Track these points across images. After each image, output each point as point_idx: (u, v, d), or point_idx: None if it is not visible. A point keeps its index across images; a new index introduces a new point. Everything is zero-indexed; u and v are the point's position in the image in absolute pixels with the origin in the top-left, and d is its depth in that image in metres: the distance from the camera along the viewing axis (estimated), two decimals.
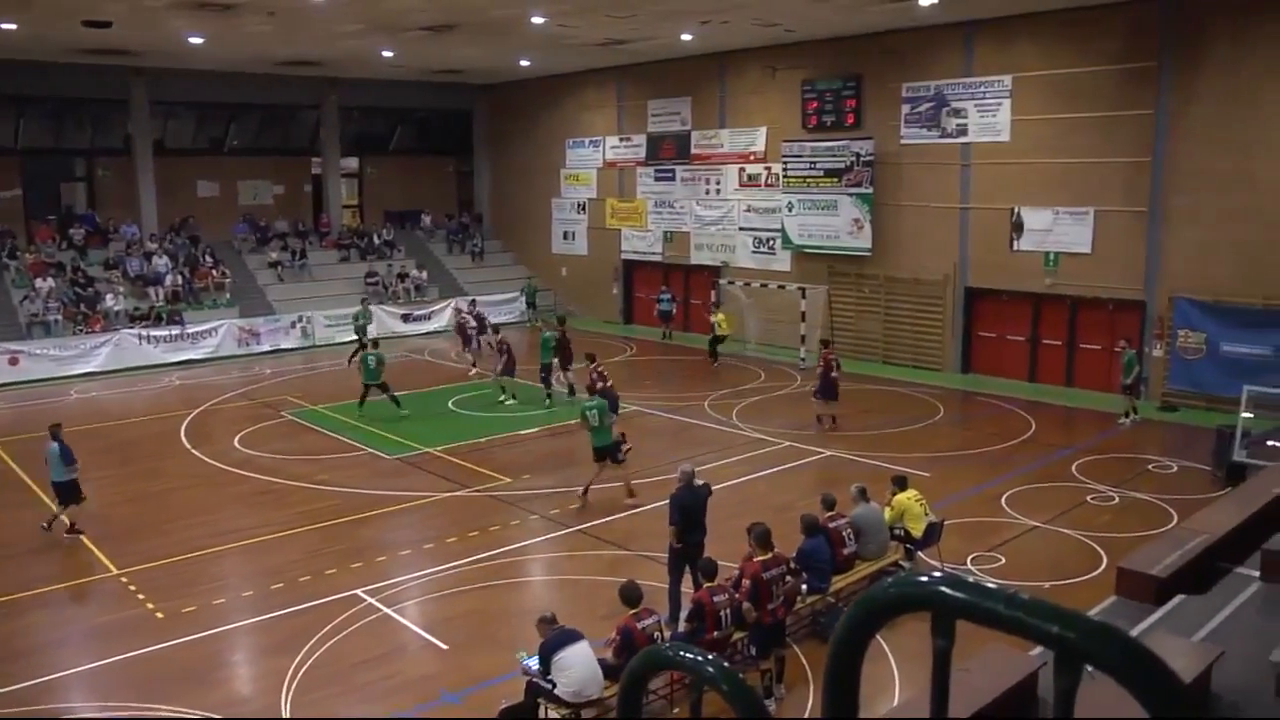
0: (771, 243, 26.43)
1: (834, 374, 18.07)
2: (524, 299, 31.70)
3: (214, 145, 31.90)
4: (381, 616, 10.70)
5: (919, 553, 11.29)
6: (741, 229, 27.33)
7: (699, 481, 10.86)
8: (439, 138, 36.47)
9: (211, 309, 27.57)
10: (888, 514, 11.16)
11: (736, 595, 8.93)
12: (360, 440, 17.92)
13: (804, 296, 23.99)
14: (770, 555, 9.08)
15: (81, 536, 13.19)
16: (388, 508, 14.36)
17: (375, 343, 21.87)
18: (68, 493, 13.33)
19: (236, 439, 18.17)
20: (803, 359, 23.80)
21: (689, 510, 10.33)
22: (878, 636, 1.46)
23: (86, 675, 9.56)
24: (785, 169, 25.34)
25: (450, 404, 20.76)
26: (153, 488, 14.75)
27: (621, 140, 30.51)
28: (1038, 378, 21.67)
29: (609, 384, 17.09)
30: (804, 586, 9.73)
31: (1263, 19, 17.69)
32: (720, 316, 24.89)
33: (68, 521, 13.32)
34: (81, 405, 21.52)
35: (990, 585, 1.32)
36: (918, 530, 11.15)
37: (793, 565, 9.53)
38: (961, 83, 21.94)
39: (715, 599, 8.70)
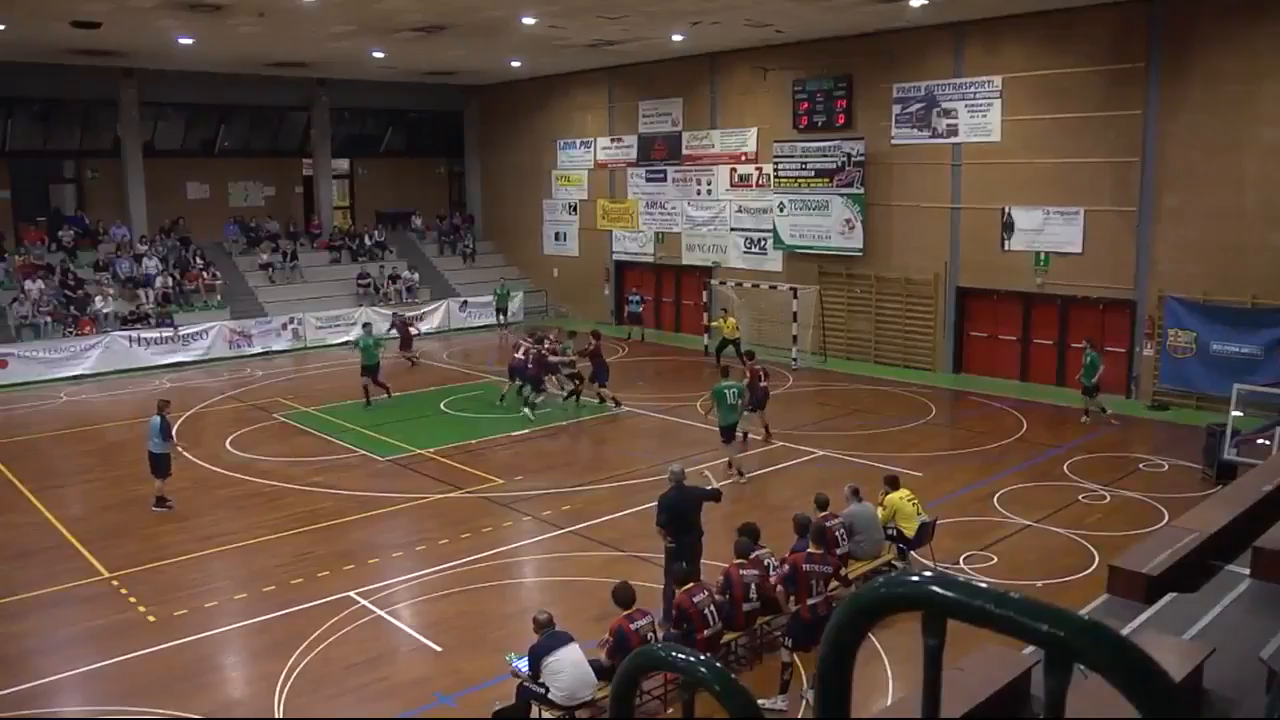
0: (763, 243, 26.46)
1: (762, 383, 17.24)
2: (494, 305, 30.61)
3: (204, 147, 31.76)
4: (374, 619, 10.68)
5: (912, 552, 11.31)
6: (733, 229, 27.35)
7: (709, 487, 10.89)
8: (430, 139, 36.41)
9: (202, 311, 27.48)
10: (880, 514, 11.20)
11: (725, 596, 9.01)
12: (352, 442, 17.88)
13: (795, 297, 24.03)
14: (820, 551, 9.20)
15: (165, 509, 14.32)
16: (380, 509, 14.33)
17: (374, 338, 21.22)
18: (156, 465, 14.32)
19: (228, 441, 18.10)
20: (795, 359, 23.85)
21: (678, 511, 10.34)
22: (871, 636, 1.47)
23: (78, 679, 9.51)
24: (776, 169, 25.37)
25: (442, 405, 20.73)
26: (144, 490, 14.69)
27: (612, 141, 30.51)
28: (1029, 377, 21.74)
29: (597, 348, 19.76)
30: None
31: (1250, 20, 17.77)
32: (731, 321, 24.39)
33: (162, 493, 14.46)
34: (71, 408, 21.43)
35: (980, 584, 1.32)
36: (910, 530, 11.18)
37: (845, 574, 9.56)
38: (951, 83, 21.99)
39: (695, 599, 8.77)
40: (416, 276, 31.38)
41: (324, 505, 14.43)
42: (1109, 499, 14.08)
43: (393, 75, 30.59)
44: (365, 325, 23.40)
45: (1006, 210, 21.34)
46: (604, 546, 12.72)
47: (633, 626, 8.22)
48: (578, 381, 20.14)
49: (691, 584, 8.95)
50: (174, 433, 14.90)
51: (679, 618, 8.72)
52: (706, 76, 27.32)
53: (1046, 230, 20.77)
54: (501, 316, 30.37)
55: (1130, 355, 20.11)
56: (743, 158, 26.85)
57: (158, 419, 14.33)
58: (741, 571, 9.27)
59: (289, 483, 15.62)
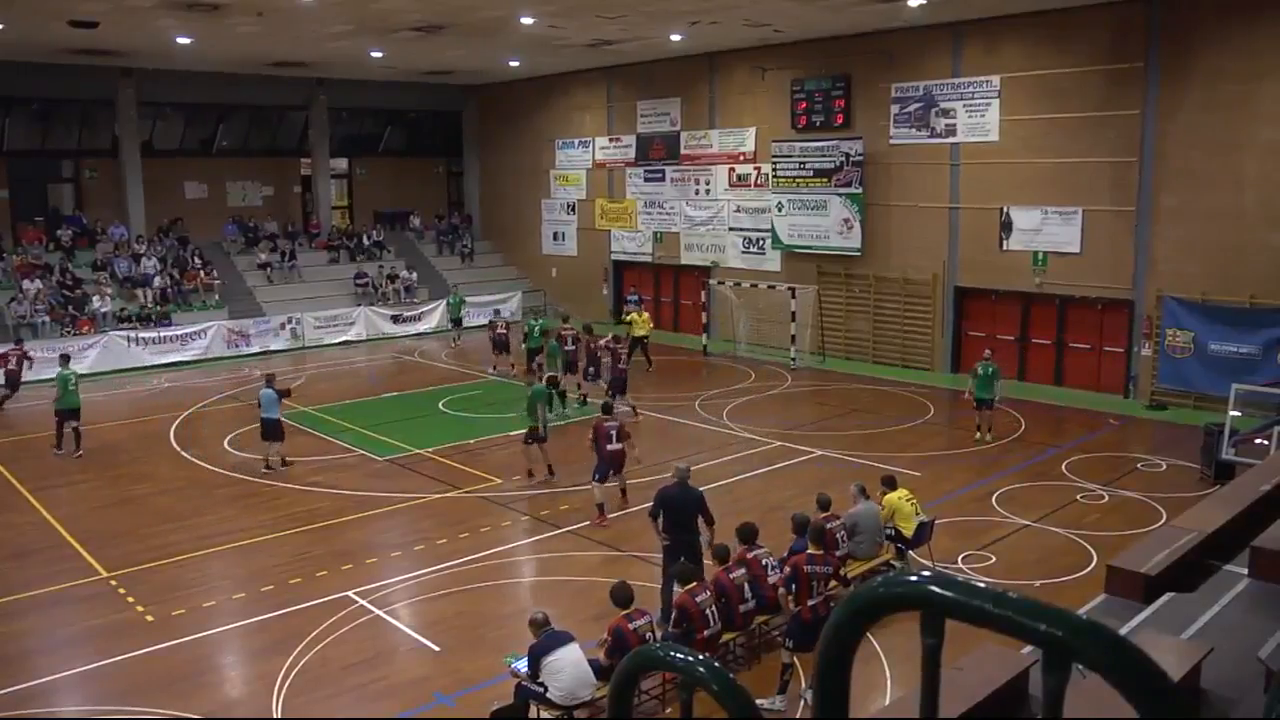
0: (761, 243, 26.46)
1: (617, 444, 13.56)
2: (448, 315, 28.95)
3: (203, 146, 31.75)
4: (373, 618, 10.68)
5: (910, 552, 11.31)
6: (731, 229, 27.36)
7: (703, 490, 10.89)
8: (429, 138, 36.41)
9: (200, 310, 27.47)
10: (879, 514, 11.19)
11: (723, 602, 9.04)
12: (351, 442, 17.87)
13: (794, 296, 24.04)
14: (820, 552, 9.20)
15: (285, 468, 15.97)
16: (378, 509, 14.33)
17: None
18: (272, 430, 15.85)
19: (226, 441, 18.09)
20: (793, 359, 23.86)
21: (677, 508, 10.32)
22: (869, 636, 1.46)
23: (76, 679, 9.51)
24: (775, 169, 25.36)
25: (441, 405, 20.73)
26: (142, 490, 14.69)
27: (611, 141, 30.51)
28: (1027, 377, 21.74)
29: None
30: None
31: (1250, 20, 17.78)
32: (636, 316, 24.49)
33: (279, 458, 16.05)
34: None
35: (979, 584, 1.32)
36: (909, 530, 11.17)
37: (845, 575, 9.56)
38: (950, 83, 22.00)
39: (698, 599, 8.78)
40: (415, 276, 31.39)
41: (322, 505, 14.42)
42: (1107, 499, 14.08)
43: (391, 75, 30.57)
44: (64, 356, 18.71)
45: (1005, 210, 21.34)
46: (602, 546, 12.71)
47: (631, 626, 8.22)
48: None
49: (695, 583, 8.93)
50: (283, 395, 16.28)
51: (680, 617, 8.71)
52: (705, 76, 27.32)
53: (1045, 230, 20.78)
54: (455, 328, 28.65)
55: (1128, 355, 20.13)
56: (741, 157, 26.84)
57: (270, 391, 15.81)
58: (731, 575, 9.26)
59: (287, 482, 15.60)
